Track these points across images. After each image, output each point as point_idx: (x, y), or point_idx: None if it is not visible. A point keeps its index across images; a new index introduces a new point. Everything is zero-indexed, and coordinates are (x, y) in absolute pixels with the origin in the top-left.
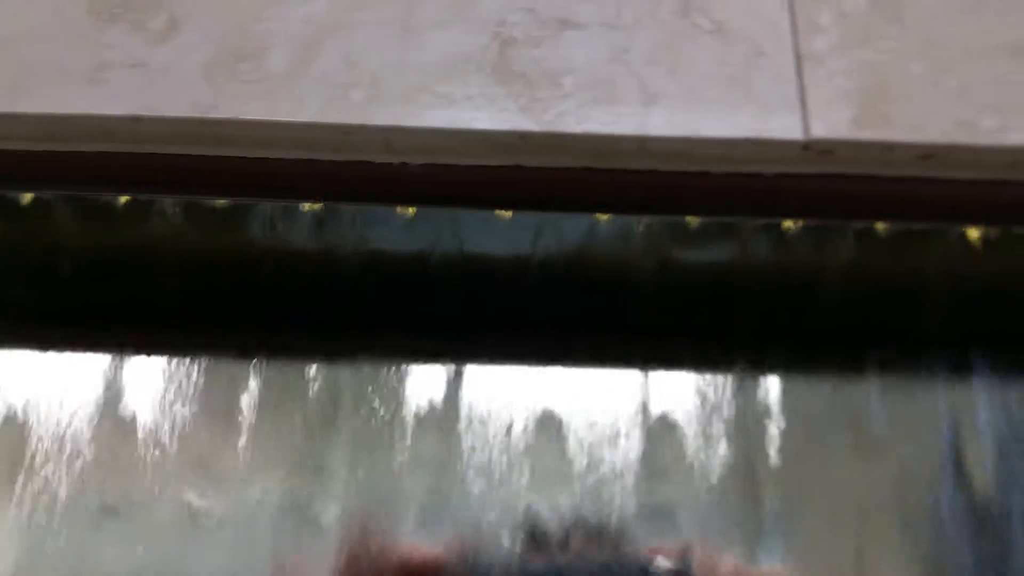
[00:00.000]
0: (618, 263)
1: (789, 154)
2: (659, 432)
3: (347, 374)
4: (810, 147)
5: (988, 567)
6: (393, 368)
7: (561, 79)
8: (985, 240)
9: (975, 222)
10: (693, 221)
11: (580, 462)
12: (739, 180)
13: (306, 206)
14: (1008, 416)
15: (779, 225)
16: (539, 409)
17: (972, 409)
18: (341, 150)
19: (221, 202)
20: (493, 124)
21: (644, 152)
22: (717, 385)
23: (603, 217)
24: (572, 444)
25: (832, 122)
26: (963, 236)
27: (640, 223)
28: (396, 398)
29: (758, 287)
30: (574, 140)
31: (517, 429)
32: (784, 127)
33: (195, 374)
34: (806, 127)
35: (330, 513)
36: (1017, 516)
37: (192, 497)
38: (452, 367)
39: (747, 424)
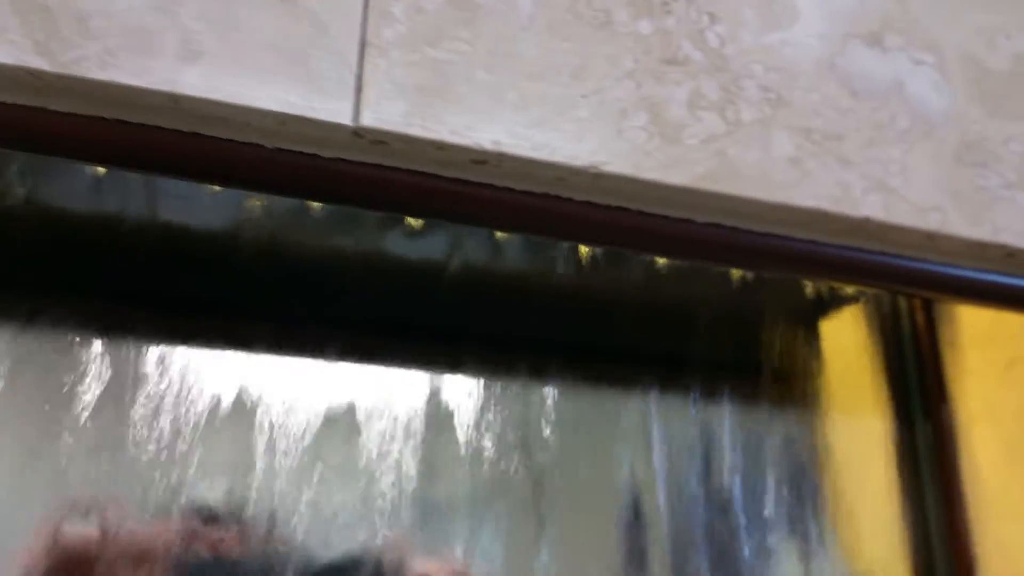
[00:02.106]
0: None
1: (340, 139)
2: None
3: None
4: (361, 135)
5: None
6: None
7: (90, 20)
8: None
9: (530, 231)
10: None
11: (261, 445)
12: (294, 158)
13: None
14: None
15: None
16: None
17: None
18: None
19: None
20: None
21: (179, 111)
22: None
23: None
24: (258, 426)
25: (384, 113)
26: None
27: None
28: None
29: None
30: (95, 87)
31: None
32: (334, 110)
33: None
34: (357, 114)
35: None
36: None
37: None
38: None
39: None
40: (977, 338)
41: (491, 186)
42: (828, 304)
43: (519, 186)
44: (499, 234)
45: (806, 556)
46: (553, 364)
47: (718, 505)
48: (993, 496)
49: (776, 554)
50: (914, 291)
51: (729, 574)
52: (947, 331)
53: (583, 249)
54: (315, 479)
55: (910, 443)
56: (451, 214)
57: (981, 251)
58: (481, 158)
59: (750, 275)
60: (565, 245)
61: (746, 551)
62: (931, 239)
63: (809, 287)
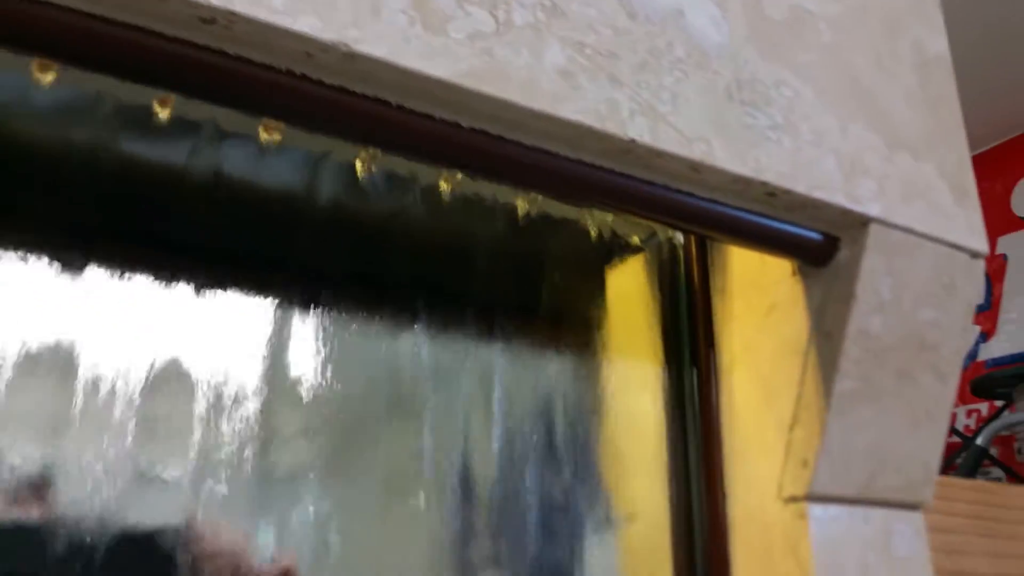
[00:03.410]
0: None
1: None
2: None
3: None
4: None
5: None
6: None
7: None
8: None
9: (271, 113)
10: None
11: None
12: None
13: None
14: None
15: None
16: None
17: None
18: None
19: None
20: None
21: None
22: None
23: None
24: None
25: None
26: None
27: None
28: None
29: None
30: None
31: None
32: None
33: None
34: None
35: None
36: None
37: None
38: None
39: None
40: (743, 285)
41: (223, 53)
42: (612, 252)
43: (258, 57)
44: (264, 137)
45: (571, 494)
46: (322, 294)
47: (485, 444)
48: (748, 434)
49: (539, 494)
50: (680, 224)
51: (489, 509)
52: (719, 279)
53: (359, 167)
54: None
55: (678, 387)
56: (173, 81)
57: (745, 187)
58: (209, 16)
59: (535, 211)
60: (338, 163)
61: (511, 488)
62: (696, 170)
63: (594, 231)
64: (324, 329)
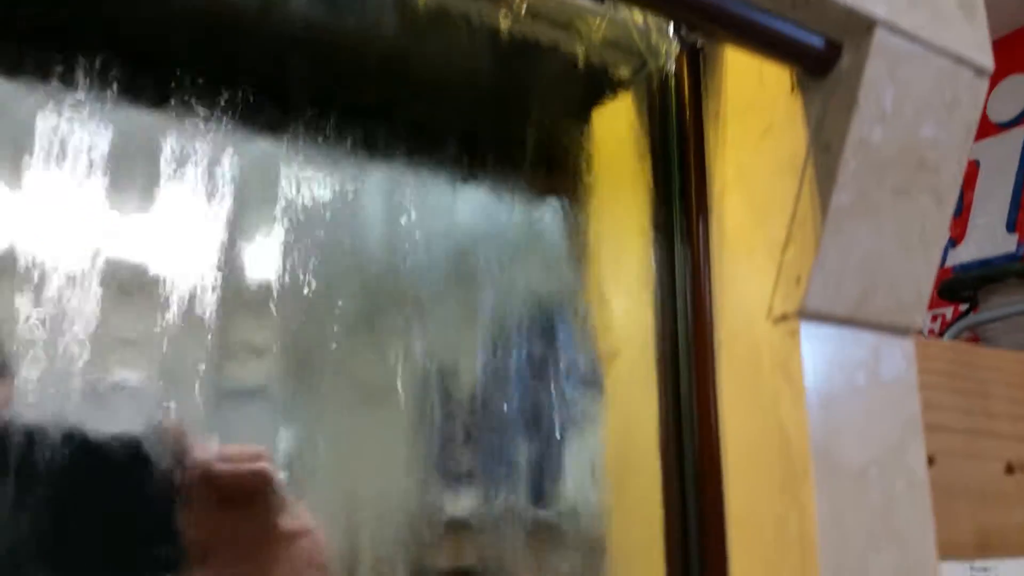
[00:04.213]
0: None
1: None
2: None
3: None
4: None
5: None
6: None
7: None
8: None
9: None
10: None
11: None
12: None
13: None
14: None
15: None
16: None
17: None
18: None
19: None
20: None
21: None
22: None
23: None
24: None
25: None
26: None
27: None
28: None
29: None
30: None
31: None
32: None
33: None
34: None
35: None
36: None
37: None
38: None
39: None
40: (738, 108)
41: None
42: (601, 87)
43: None
44: None
45: (558, 334)
46: (281, 118)
47: (471, 280)
48: (738, 259)
49: (525, 333)
50: (681, 14)
51: (473, 345)
52: (712, 104)
53: None
54: None
55: (667, 219)
56: None
57: None
58: None
59: (519, 35)
60: None
61: (497, 330)
62: None
63: (581, 60)
64: (285, 157)
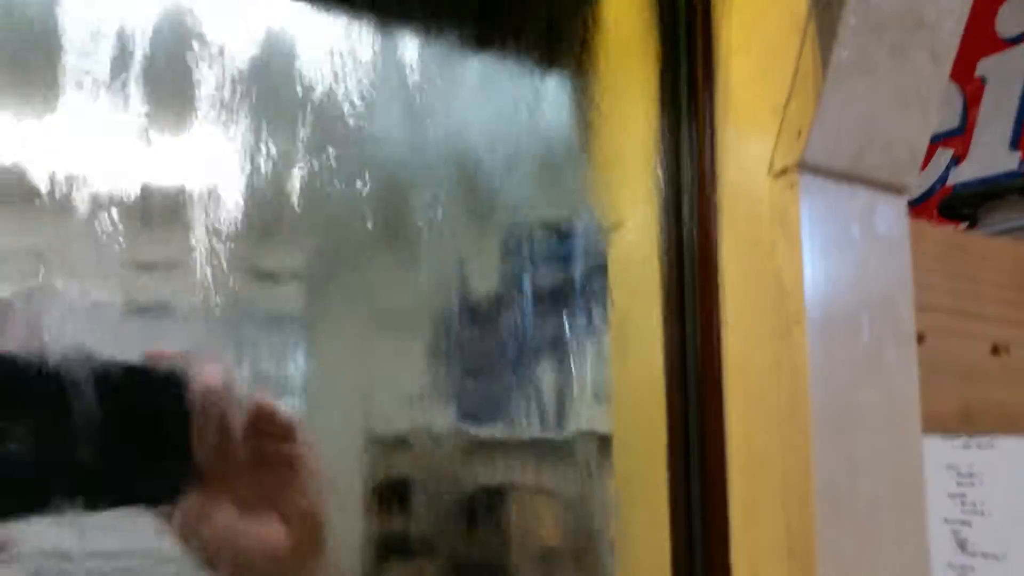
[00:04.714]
0: None
1: None
2: None
3: None
4: None
5: None
6: None
7: None
8: None
9: None
10: None
11: None
12: None
13: None
14: None
15: None
16: None
17: None
18: None
19: None
20: None
21: None
22: None
23: None
24: None
25: None
26: None
27: None
28: None
29: None
30: None
31: None
32: None
33: None
34: None
35: None
36: None
37: None
38: None
39: None
40: None
41: None
42: None
43: None
44: None
45: (558, 207)
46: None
47: (469, 157)
48: (741, 120)
49: (526, 202)
50: None
51: (482, 226)
52: None
53: None
54: None
55: (674, 85)
56: None
57: None
58: None
59: None
60: None
61: (500, 201)
62: None
63: None
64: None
